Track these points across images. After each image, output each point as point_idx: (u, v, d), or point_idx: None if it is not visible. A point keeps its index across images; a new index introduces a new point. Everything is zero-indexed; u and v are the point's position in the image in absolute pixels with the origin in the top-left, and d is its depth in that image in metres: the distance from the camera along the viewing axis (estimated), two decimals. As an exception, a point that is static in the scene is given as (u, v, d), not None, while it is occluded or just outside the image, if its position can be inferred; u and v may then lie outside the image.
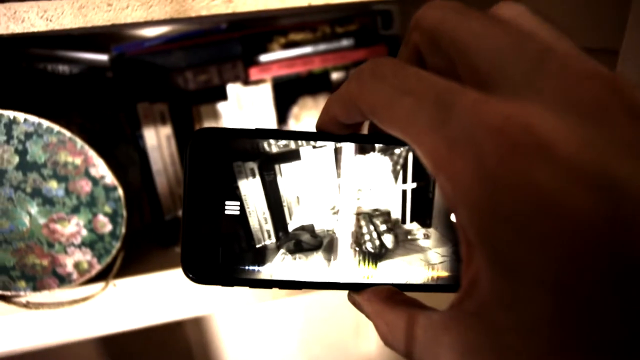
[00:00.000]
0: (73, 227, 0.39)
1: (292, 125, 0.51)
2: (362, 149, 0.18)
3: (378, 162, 0.19)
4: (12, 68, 0.42)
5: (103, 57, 0.46)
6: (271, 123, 0.51)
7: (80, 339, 0.43)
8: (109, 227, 0.40)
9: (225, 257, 0.16)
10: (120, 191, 0.38)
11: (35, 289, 0.40)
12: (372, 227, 0.19)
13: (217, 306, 0.46)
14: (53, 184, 0.37)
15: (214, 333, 0.74)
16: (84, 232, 0.39)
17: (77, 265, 0.40)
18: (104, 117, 0.44)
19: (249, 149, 0.17)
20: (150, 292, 0.44)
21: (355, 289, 0.17)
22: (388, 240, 0.19)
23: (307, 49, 0.49)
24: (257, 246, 0.17)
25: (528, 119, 0.09)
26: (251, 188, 0.17)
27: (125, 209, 0.39)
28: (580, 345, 0.09)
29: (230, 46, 0.47)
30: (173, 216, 0.53)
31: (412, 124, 0.11)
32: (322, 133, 0.16)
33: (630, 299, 0.08)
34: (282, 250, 0.18)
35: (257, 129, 0.17)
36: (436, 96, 0.10)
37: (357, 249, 0.18)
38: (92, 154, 0.37)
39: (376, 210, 0.19)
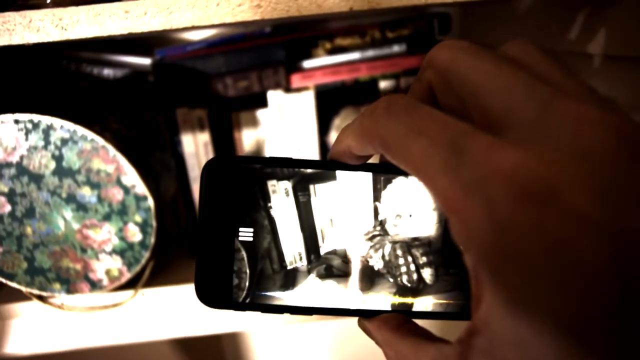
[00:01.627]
0: (105, 234, 0.38)
1: (333, 137, 0.48)
2: (404, 172, 0.17)
3: (420, 187, 0.18)
4: (56, 71, 0.43)
5: (146, 61, 0.45)
6: (312, 134, 0.47)
7: (110, 344, 0.43)
8: (139, 237, 0.39)
9: (237, 283, 0.16)
10: (150, 201, 0.37)
11: (69, 291, 0.40)
12: (410, 259, 0.18)
13: (244, 325, 0.44)
14: (87, 191, 0.36)
15: (249, 349, 0.73)
16: (115, 240, 0.39)
17: (107, 271, 0.40)
18: (141, 123, 0.44)
19: (263, 175, 0.17)
20: (178, 304, 0.43)
21: (365, 316, 0.17)
22: (427, 274, 0.18)
23: (354, 55, 0.46)
24: (267, 273, 0.17)
25: (538, 166, 0.09)
26: (263, 215, 0.17)
27: (155, 220, 0.38)
28: None
29: (273, 51, 0.44)
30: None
31: (426, 165, 0.11)
32: (335, 162, 0.16)
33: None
34: (311, 275, 0.17)
35: (269, 158, 0.16)
36: (450, 138, 0.11)
37: (392, 280, 0.18)
38: (124, 162, 0.36)
39: (416, 239, 0.18)
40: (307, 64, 0.46)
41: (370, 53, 0.46)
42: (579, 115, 0.10)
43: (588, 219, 0.09)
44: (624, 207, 0.09)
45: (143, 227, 0.38)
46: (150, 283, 0.42)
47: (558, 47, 0.36)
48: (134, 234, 0.39)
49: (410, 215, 0.18)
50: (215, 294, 0.16)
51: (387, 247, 0.18)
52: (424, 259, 0.18)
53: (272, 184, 0.17)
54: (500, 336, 0.10)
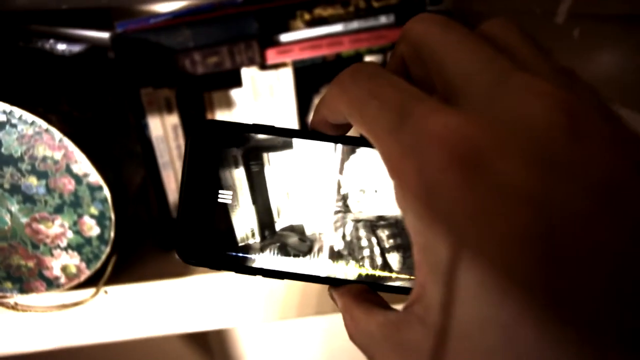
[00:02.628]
0: (57, 228, 0.35)
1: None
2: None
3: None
4: (6, 47, 0.39)
5: (105, 35, 0.41)
6: (291, 114, 0.43)
7: (71, 345, 0.40)
8: (96, 230, 0.35)
9: (215, 242, 0.17)
10: (106, 191, 0.33)
11: (23, 291, 0.37)
12: (374, 240, 0.17)
13: (215, 322, 0.41)
14: (33, 180, 0.32)
15: (237, 346, 0.70)
16: (70, 234, 0.35)
17: (64, 268, 0.36)
18: (100, 104, 0.39)
19: (246, 141, 0.17)
20: (145, 302, 0.40)
21: (336, 284, 0.17)
22: (394, 260, 0.17)
23: (336, 27, 0.41)
24: (244, 239, 0.17)
25: (472, 132, 0.10)
26: (241, 179, 0.17)
27: (113, 211, 0.34)
28: (507, 355, 0.09)
29: (245, 23, 0.40)
30: (182, 214, 0.48)
31: (375, 127, 0.11)
32: (317, 133, 0.16)
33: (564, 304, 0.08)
34: (265, 250, 0.17)
35: (255, 125, 0.17)
36: (399, 102, 0.11)
37: (353, 262, 0.17)
38: (73, 148, 0.32)
39: (381, 218, 0.17)
40: (284, 37, 0.41)
41: (354, 25, 0.41)
42: (529, 88, 0.10)
43: (514, 187, 0.09)
44: (553, 179, 0.09)
45: (100, 219, 0.34)
46: (114, 280, 0.39)
47: (555, 9, 0.32)
48: (91, 228, 0.35)
49: (376, 191, 0.17)
50: (192, 252, 0.17)
51: (349, 226, 0.17)
52: (390, 242, 0.17)
53: (252, 151, 0.17)
54: (433, 304, 0.11)
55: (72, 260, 0.36)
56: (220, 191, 0.17)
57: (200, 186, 0.17)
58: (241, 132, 0.17)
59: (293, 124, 0.44)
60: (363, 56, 0.42)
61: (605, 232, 0.09)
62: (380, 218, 0.17)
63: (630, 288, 0.08)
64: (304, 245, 0.17)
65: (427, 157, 0.10)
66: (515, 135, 0.10)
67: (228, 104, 0.45)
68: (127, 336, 0.40)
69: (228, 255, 0.17)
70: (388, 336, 0.12)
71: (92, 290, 0.38)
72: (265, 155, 0.17)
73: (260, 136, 0.17)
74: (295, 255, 0.17)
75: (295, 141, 0.17)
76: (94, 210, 0.34)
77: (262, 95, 0.42)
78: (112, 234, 0.35)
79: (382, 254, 0.17)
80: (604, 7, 0.27)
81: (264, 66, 0.42)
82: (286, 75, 0.42)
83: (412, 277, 0.17)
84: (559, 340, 0.08)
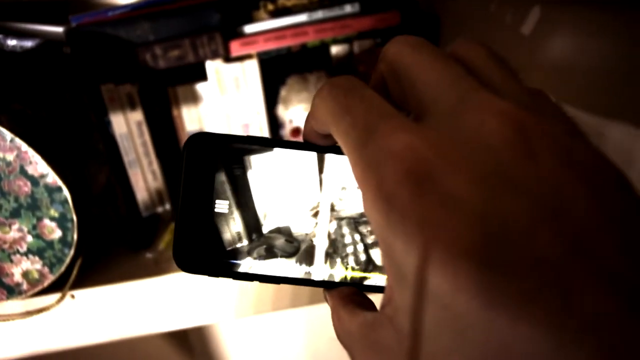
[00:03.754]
0: (15, 232, 0.33)
1: (281, 111, 0.43)
2: None
3: None
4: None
5: (59, 29, 0.39)
6: (259, 107, 0.43)
7: (39, 352, 0.39)
8: (58, 233, 0.34)
9: (212, 250, 0.17)
10: (66, 192, 0.32)
11: (-18, 299, 0.35)
12: (357, 237, 0.17)
13: (189, 321, 0.40)
14: (-15, 184, 0.31)
15: (218, 342, 0.70)
16: (29, 239, 0.34)
17: (25, 274, 0.35)
18: (56, 102, 0.38)
19: (238, 151, 0.17)
20: (116, 304, 0.39)
21: (330, 287, 0.18)
22: (377, 255, 0.17)
23: (300, 17, 0.41)
24: (240, 246, 0.18)
25: (424, 149, 0.10)
26: (234, 187, 0.17)
27: (75, 213, 0.33)
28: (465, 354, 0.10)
29: (206, 14, 0.39)
30: (151, 213, 0.47)
31: (347, 141, 0.12)
32: (308, 144, 0.17)
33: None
34: (254, 254, 0.17)
35: (248, 136, 0.18)
36: (368, 119, 0.12)
37: (338, 260, 0.18)
38: (26, 149, 0.30)
39: (363, 215, 0.17)
40: (248, 28, 0.40)
41: (318, 14, 0.41)
42: (489, 107, 0.11)
43: (458, 201, 0.10)
44: (497, 193, 0.10)
45: (61, 222, 0.33)
46: (81, 283, 0.37)
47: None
48: (52, 231, 0.34)
49: (358, 188, 0.17)
50: (190, 261, 0.17)
51: (333, 224, 0.18)
52: (372, 238, 0.17)
53: (244, 159, 0.17)
54: (399, 304, 0.11)
55: (34, 265, 0.35)
56: (215, 200, 0.17)
57: (196, 197, 0.17)
58: (234, 143, 0.17)
59: (261, 116, 0.43)
60: (329, 46, 0.42)
61: (545, 246, 0.09)
62: (362, 215, 0.17)
63: (566, 301, 0.09)
64: (291, 246, 0.18)
65: (386, 172, 0.11)
66: (467, 152, 0.10)
67: (194, 98, 0.44)
68: (98, 340, 0.39)
69: (225, 263, 0.17)
70: (365, 336, 0.13)
71: (57, 295, 0.36)
72: (248, 159, 0.18)
73: (252, 146, 0.17)
74: (287, 259, 0.18)
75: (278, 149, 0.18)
76: (54, 213, 0.33)
77: (228, 88, 0.42)
78: (76, 236, 0.34)
79: (366, 250, 0.17)
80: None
81: (228, 59, 0.41)
82: (252, 67, 0.41)
83: None
84: (508, 329, 0.09)
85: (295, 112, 0.42)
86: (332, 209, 0.17)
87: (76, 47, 0.38)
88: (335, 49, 0.42)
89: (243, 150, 0.17)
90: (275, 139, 0.18)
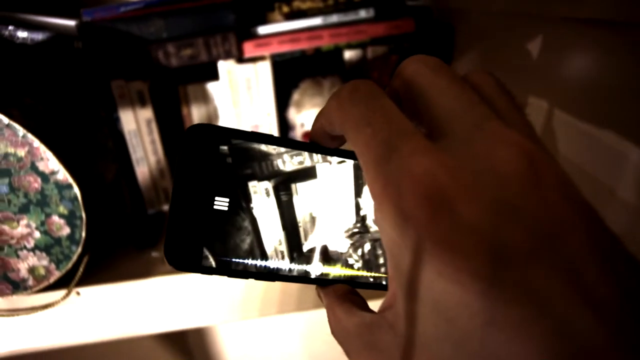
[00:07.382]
0: (23, 228, 0.33)
1: (292, 114, 0.43)
2: None
3: None
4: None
5: (70, 23, 0.38)
6: (270, 110, 0.43)
7: (42, 348, 0.38)
8: (66, 230, 0.33)
9: (206, 248, 0.17)
10: (76, 190, 0.32)
11: (-13, 294, 0.35)
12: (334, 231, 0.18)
13: (193, 321, 0.40)
14: (-5, 179, 0.31)
15: (217, 343, 0.70)
16: (37, 235, 0.33)
17: (32, 270, 0.35)
18: (67, 97, 0.37)
19: (239, 147, 0.17)
20: (120, 302, 0.38)
21: (323, 284, 0.18)
22: (371, 253, 0.18)
23: (315, 21, 0.41)
24: (235, 243, 0.17)
25: (443, 174, 0.11)
26: (233, 185, 0.17)
27: (84, 210, 0.33)
28: None
29: (221, 14, 0.39)
30: (157, 210, 0.47)
31: (365, 153, 0.13)
32: (313, 144, 0.17)
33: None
34: (258, 255, 0.17)
35: (251, 132, 0.17)
36: (389, 134, 0.12)
37: (372, 280, 0.18)
38: (38, 145, 0.30)
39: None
40: (262, 30, 0.40)
41: (333, 18, 0.41)
42: (501, 137, 0.12)
43: (469, 226, 0.10)
44: (504, 220, 0.10)
45: (70, 219, 0.33)
46: (87, 281, 0.37)
47: (533, 11, 0.32)
48: (60, 228, 0.33)
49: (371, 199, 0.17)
50: (183, 258, 0.16)
51: (367, 246, 0.18)
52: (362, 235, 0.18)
53: (251, 163, 0.17)
54: (401, 314, 0.12)
55: (41, 261, 0.34)
56: (211, 197, 0.17)
57: (192, 192, 0.16)
58: (237, 138, 0.16)
59: (271, 117, 0.43)
60: (342, 50, 0.42)
61: (544, 277, 0.10)
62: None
63: (561, 329, 0.09)
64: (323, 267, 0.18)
65: (405, 192, 0.11)
66: (481, 179, 0.11)
67: (204, 97, 0.43)
68: (102, 338, 0.39)
69: (219, 260, 0.17)
70: (362, 336, 0.14)
71: (63, 292, 0.36)
72: (250, 157, 0.17)
73: (255, 142, 0.17)
74: (284, 258, 0.17)
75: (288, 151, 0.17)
76: (63, 210, 0.33)
77: (239, 90, 0.41)
78: (84, 234, 0.34)
79: (361, 250, 0.18)
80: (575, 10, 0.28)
81: (241, 59, 0.40)
82: (264, 69, 0.41)
83: None
84: (504, 346, 0.10)
85: (307, 116, 0.42)
86: (367, 230, 0.18)
87: (88, 42, 0.38)
88: (348, 54, 0.42)
89: (246, 145, 0.17)
90: (279, 137, 0.17)
